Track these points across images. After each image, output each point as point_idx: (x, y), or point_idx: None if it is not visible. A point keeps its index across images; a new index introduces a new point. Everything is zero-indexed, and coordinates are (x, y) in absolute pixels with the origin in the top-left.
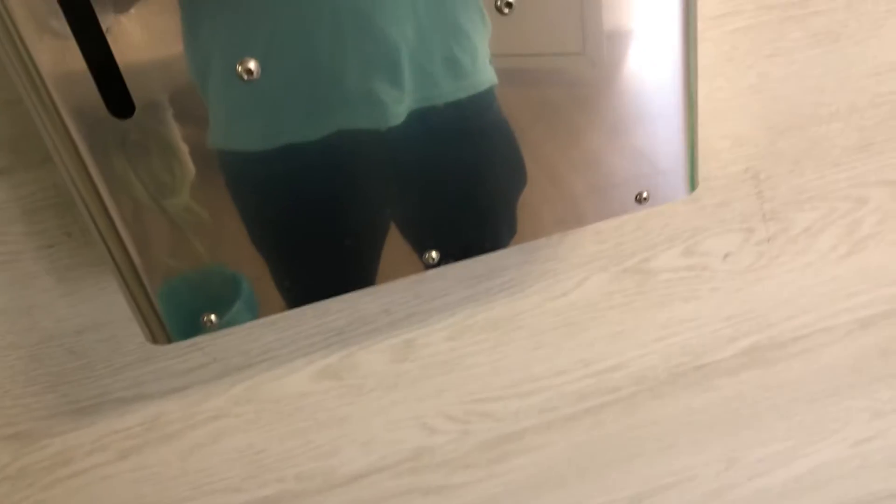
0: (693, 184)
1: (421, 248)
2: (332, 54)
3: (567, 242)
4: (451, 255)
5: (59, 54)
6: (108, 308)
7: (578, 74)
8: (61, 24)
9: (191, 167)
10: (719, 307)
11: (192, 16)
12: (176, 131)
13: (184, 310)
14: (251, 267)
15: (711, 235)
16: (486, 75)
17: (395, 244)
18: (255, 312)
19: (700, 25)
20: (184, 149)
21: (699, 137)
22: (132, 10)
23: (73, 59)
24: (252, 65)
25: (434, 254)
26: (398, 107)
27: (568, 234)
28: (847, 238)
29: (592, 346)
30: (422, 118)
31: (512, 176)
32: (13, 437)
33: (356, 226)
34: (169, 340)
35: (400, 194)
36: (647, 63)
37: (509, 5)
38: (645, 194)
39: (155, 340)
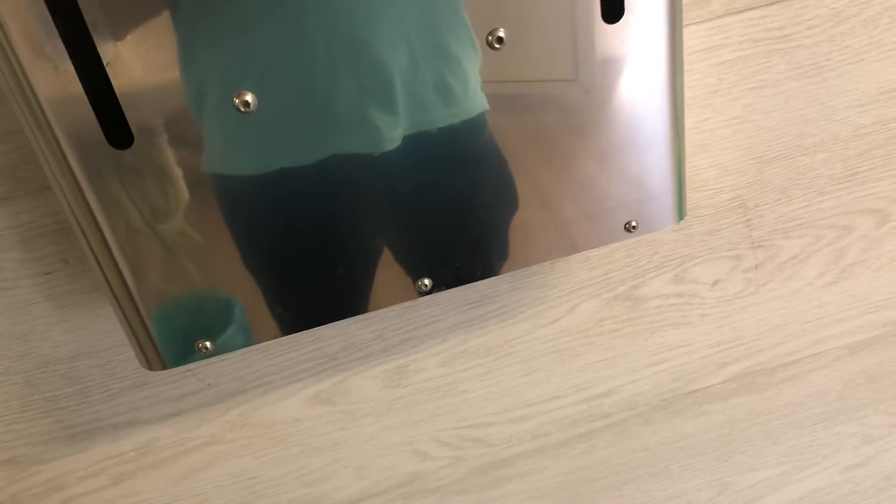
0: (681, 213)
1: (414, 274)
2: (328, 81)
3: (557, 269)
4: (444, 282)
5: (57, 83)
6: (103, 334)
7: (571, 101)
8: (61, 57)
9: (185, 191)
10: (709, 333)
11: (188, 44)
12: (170, 155)
13: (178, 335)
14: (245, 292)
15: (700, 263)
16: (477, 101)
17: (388, 271)
18: (249, 338)
19: (688, 58)
20: (178, 173)
21: (687, 167)
22: (129, 37)
23: (71, 87)
24: (249, 97)
25: (427, 281)
26: (392, 132)
27: (558, 261)
28: (834, 265)
29: (584, 372)
30: (415, 144)
31: (504, 200)
32: (5, 462)
33: (350, 251)
34: (164, 366)
35: (393, 219)
36: (637, 91)
37: (500, 40)
38: (634, 223)
39: (150, 366)
